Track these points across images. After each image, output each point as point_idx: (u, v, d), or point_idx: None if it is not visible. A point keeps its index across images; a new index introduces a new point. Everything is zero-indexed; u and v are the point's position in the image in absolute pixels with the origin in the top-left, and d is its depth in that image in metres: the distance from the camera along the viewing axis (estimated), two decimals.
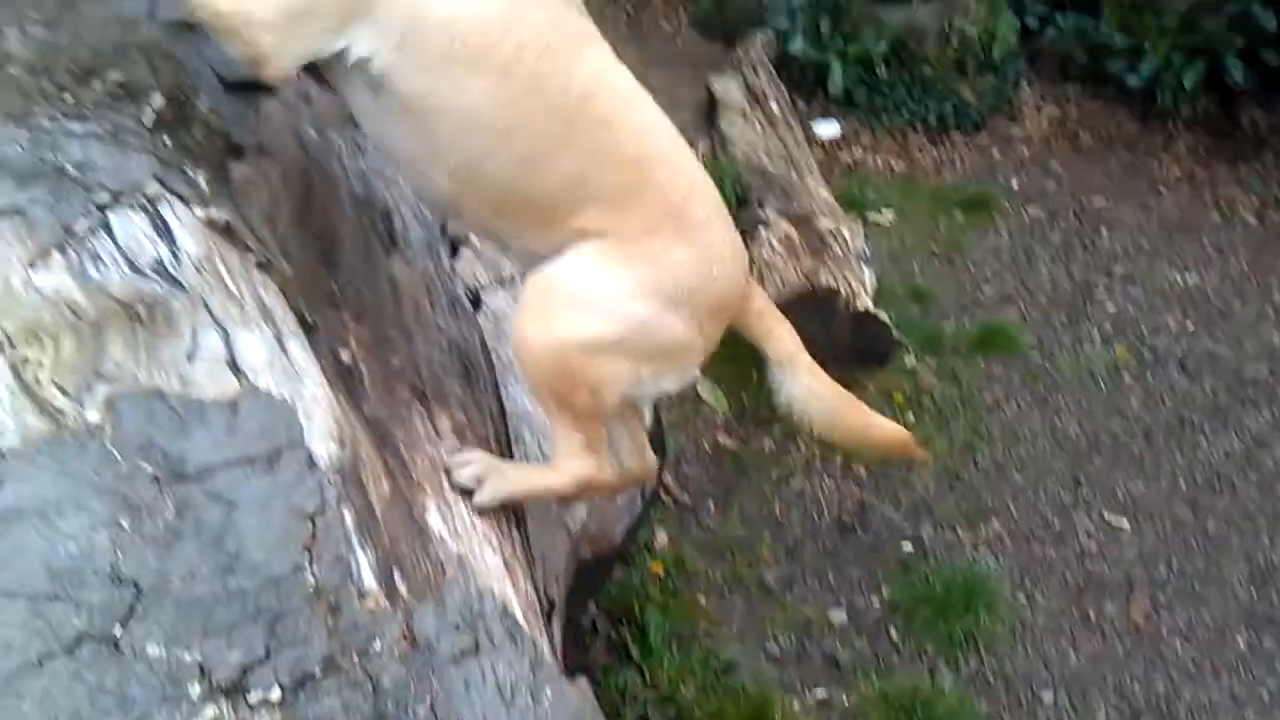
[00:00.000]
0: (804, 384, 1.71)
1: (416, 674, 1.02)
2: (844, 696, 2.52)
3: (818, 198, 4.51)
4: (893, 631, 2.70)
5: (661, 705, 2.32)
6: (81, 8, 1.19)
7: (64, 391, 0.98)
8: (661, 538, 2.89)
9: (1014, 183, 5.57)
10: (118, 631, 0.88)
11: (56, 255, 1.00)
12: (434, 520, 1.29)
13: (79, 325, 0.99)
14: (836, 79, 6.07)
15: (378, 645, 1.00)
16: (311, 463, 1.11)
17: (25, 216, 1.01)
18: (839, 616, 2.72)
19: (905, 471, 3.25)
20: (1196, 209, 5.29)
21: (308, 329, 1.31)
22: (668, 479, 3.13)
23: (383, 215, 1.68)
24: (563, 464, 1.51)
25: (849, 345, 3.34)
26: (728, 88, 5.92)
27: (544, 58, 1.39)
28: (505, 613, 1.23)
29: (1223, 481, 3.37)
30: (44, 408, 0.97)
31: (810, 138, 5.83)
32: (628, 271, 1.45)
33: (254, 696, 0.92)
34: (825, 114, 6.16)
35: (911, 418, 3.50)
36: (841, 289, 3.35)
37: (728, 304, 1.62)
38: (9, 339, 0.96)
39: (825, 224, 3.95)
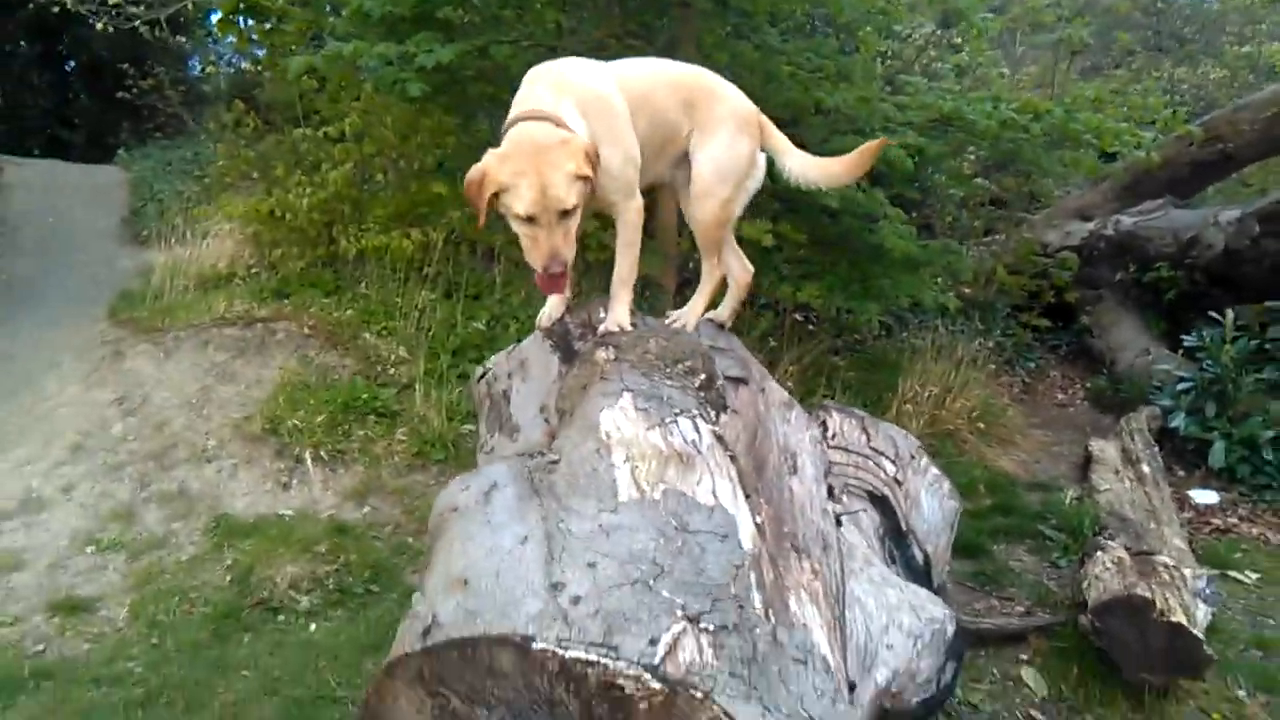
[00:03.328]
0: (796, 161, 3.16)
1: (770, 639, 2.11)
2: None
3: (1168, 544, 5.03)
4: None
5: None
6: (681, 335, 2.64)
7: (649, 484, 2.28)
8: None
9: None
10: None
11: (657, 428, 2.36)
12: (792, 601, 2.38)
13: (659, 456, 2.31)
14: (1218, 455, 6.56)
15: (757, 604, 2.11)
16: (739, 545, 2.28)
17: (648, 414, 2.39)
18: None
19: None
20: None
21: (746, 497, 2.53)
22: None
23: (791, 455, 2.92)
24: (704, 287, 3.12)
25: (1162, 653, 3.87)
26: (1104, 449, 6.66)
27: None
28: (820, 655, 2.27)
29: None
30: (639, 487, 2.27)
31: (1185, 502, 6.30)
32: (723, 137, 3.04)
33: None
34: (1205, 485, 6.59)
35: None
36: (1158, 603, 3.92)
37: (753, 122, 3.10)
38: (635, 458, 2.30)
39: (1163, 559, 4.51)
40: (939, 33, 12.12)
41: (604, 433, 2.36)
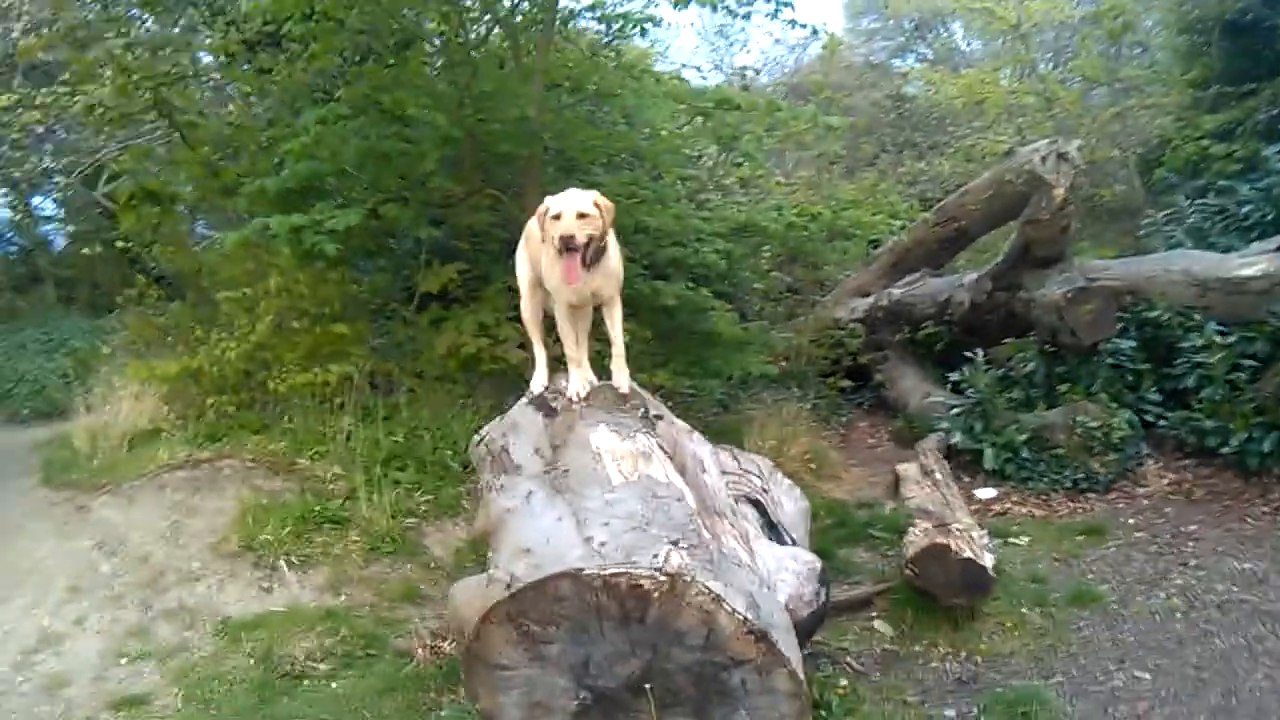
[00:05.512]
0: None
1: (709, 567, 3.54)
2: None
3: (961, 520, 6.77)
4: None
5: None
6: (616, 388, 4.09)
7: (629, 473, 3.68)
8: (842, 682, 5.02)
9: (1130, 521, 7.51)
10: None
11: (626, 439, 3.78)
12: (723, 539, 3.81)
13: (631, 455, 3.72)
14: (989, 459, 8.50)
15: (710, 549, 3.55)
16: (689, 505, 3.71)
17: (618, 432, 3.81)
18: (950, 713, 4.71)
19: (1007, 657, 5.24)
20: (1275, 530, 6.99)
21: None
22: (849, 659, 5.31)
23: (699, 460, 4.39)
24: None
25: (959, 580, 5.50)
26: (908, 469, 8.48)
27: None
28: (747, 564, 3.70)
29: (1219, 660, 5.05)
30: (623, 475, 3.67)
31: (970, 498, 8.15)
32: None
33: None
34: (986, 484, 8.49)
35: (1016, 633, 5.51)
36: (953, 547, 5.56)
37: None
38: (617, 458, 3.70)
39: (956, 525, 6.19)
40: (723, 155, 14.35)
41: (595, 446, 3.75)
